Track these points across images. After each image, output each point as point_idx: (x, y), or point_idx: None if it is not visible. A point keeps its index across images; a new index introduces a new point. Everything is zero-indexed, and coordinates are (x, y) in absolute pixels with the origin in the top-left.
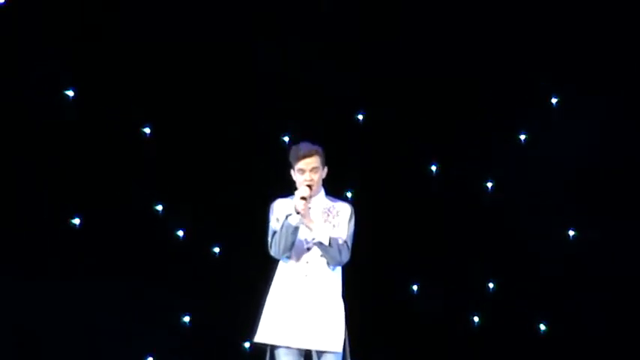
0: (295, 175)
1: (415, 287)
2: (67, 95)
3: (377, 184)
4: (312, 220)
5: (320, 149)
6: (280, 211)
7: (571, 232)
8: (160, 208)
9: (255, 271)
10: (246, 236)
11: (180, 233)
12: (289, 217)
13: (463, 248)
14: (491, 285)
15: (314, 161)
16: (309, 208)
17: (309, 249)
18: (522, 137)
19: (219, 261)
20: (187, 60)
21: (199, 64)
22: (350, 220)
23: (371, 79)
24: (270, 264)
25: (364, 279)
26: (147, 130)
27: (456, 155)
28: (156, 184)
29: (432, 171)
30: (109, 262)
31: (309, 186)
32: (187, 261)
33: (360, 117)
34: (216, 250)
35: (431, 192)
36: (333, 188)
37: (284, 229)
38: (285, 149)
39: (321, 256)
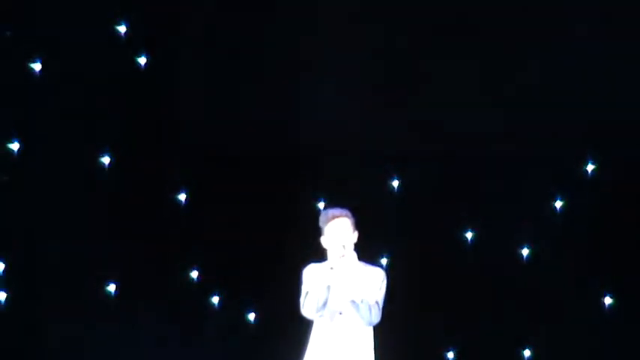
0: (326, 239)
1: (451, 354)
2: (103, 163)
3: (412, 251)
4: (345, 279)
5: (350, 213)
6: (313, 274)
7: (607, 300)
8: (195, 274)
9: (291, 335)
10: (281, 302)
11: (215, 300)
12: (323, 278)
13: (499, 316)
14: (527, 353)
15: (345, 224)
16: (342, 270)
17: (341, 313)
18: (558, 205)
19: (254, 327)
20: (223, 124)
21: (234, 128)
22: (382, 283)
23: (406, 140)
24: (305, 328)
25: (398, 344)
26: (182, 197)
27: (491, 221)
28: (190, 250)
29: (466, 238)
30: (142, 329)
31: (343, 247)
32: (222, 327)
33: (395, 184)
34: (251, 316)
35: (466, 259)
36: (366, 256)
37: (317, 289)
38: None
39: (354, 318)
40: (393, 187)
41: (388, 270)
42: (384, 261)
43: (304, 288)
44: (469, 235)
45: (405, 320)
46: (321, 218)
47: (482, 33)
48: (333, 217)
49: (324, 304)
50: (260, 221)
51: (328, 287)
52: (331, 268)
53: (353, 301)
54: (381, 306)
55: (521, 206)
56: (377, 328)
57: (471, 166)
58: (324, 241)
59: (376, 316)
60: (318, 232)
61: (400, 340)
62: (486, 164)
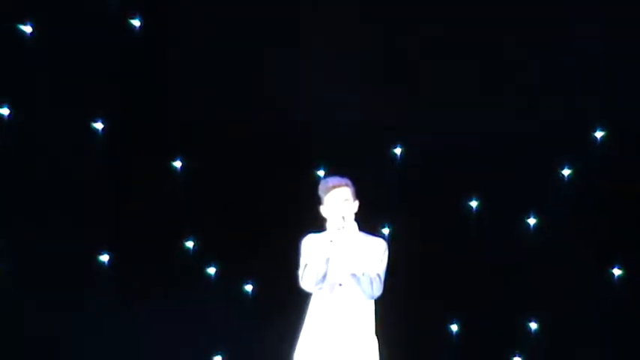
0: (326, 209)
1: (455, 326)
2: (96, 128)
3: (414, 220)
4: (345, 251)
5: (350, 182)
6: (312, 245)
7: (617, 271)
8: (190, 244)
9: (289, 308)
10: (279, 273)
11: (212, 271)
12: (322, 248)
13: (504, 286)
14: (533, 325)
15: (345, 193)
16: (342, 242)
17: (341, 284)
18: (566, 172)
19: (251, 299)
20: (222, 92)
21: (233, 96)
22: (383, 254)
23: (408, 108)
24: (304, 300)
25: (400, 318)
26: (178, 164)
27: (498, 190)
28: (185, 219)
29: (471, 207)
30: (138, 300)
31: (343, 217)
32: (219, 299)
33: (398, 150)
34: (249, 287)
35: (470, 229)
36: (368, 225)
37: (317, 260)
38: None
39: (354, 290)
40: (395, 155)
41: (390, 241)
42: (385, 231)
43: (303, 260)
44: (474, 204)
45: (407, 293)
46: (321, 187)
47: None
48: (333, 186)
49: (324, 277)
50: (258, 191)
51: (327, 259)
52: (331, 241)
53: (353, 274)
54: (382, 278)
55: (528, 174)
56: (378, 301)
57: (476, 133)
58: (324, 210)
59: (377, 289)
60: (317, 201)
61: (402, 313)
62: (492, 132)
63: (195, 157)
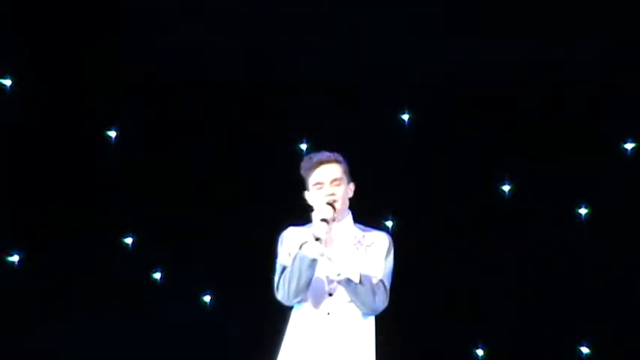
0: (311, 193)
1: (480, 352)
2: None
3: (426, 210)
4: (336, 251)
5: (342, 158)
6: (293, 242)
7: None
8: (129, 240)
9: (262, 326)
10: (247, 280)
11: (157, 275)
12: (304, 247)
13: (545, 296)
14: (585, 350)
15: (335, 171)
16: (332, 238)
17: (331, 294)
18: (629, 146)
19: (209, 312)
20: (178, 45)
21: (192, 51)
22: (388, 253)
23: (418, 73)
24: (281, 316)
25: (409, 337)
26: (112, 134)
27: (536, 172)
28: (123, 207)
29: (503, 192)
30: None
31: (331, 204)
32: (169, 311)
33: (405, 117)
34: (207, 298)
35: (499, 219)
36: (366, 216)
37: (297, 263)
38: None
39: (349, 302)
40: (403, 124)
41: (395, 236)
42: (389, 224)
43: (280, 262)
44: (506, 188)
45: (419, 305)
46: (304, 165)
47: None
48: (319, 163)
49: (307, 285)
50: (220, 171)
51: (312, 261)
52: (317, 237)
53: (348, 280)
54: (387, 285)
55: (575, 154)
56: (381, 317)
57: (508, 97)
58: (309, 196)
59: (381, 300)
60: (300, 184)
61: (413, 332)
62: (527, 96)
63: (134, 124)
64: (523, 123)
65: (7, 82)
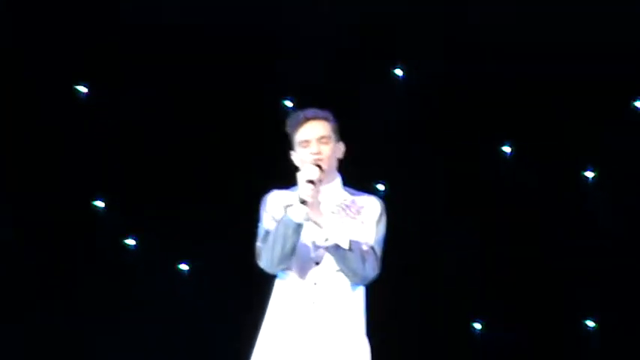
0: (297, 153)
1: (478, 325)
2: None
3: (420, 173)
4: (323, 215)
5: (330, 115)
6: (277, 206)
7: None
8: (101, 204)
9: (243, 296)
10: (228, 247)
11: (131, 242)
12: (289, 210)
13: (547, 267)
14: (590, 323)
15: (323, 128)
16: (319, 201)
17: (317, 262)
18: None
19: (188, 281)
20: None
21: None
22: (379, 219)
23: (413, 21)
24: (264, 286)
25: (401, 310)
26: (84, 89)
27: (540, 131)
28: (94, 170)
29: (504, 153)
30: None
31: (318, 165)
32: (143, 283)
33: (399, 72)
34: (184, 267)
35: (501, 183)
36: (356, 180)
37: (281, 228)
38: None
39: (338, 271)
40: (397, 80)
41: (386, 201)
42: (380, 187)
43: (262, 227)
44: (507, 149)
45: (410, 273)
46: (290, 122)
47: None
48: (306, 120)
49: (292, 252)
50: (198, 129)
51: (298, 226)
52: (302, 200)
53: (336, 246)
54: (378, 253)
55: (585, 115)
56: (372, 287)
57: (510, 53)
58: (295, 156)
59: (372, 268)
60: (284, 143)
61: (402, 304)
62: (530, 51)
63: (106, 80)
64: (526, 80)
65: None
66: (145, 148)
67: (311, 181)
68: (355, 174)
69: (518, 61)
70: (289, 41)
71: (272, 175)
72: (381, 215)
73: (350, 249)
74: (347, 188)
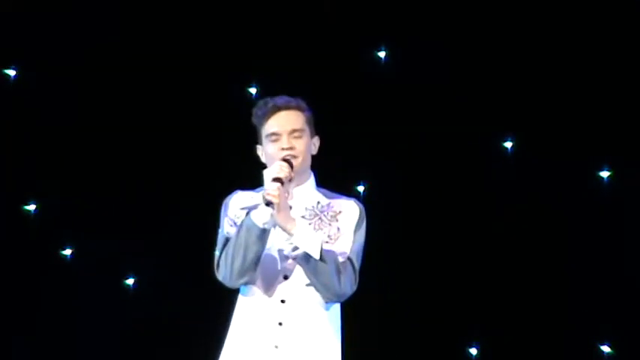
0: (264, 146)
1: (474, 350)
2: None
3: (406, 173)
4: (293, 219)
5: (305, 104)
6: (238, 212)
7: None
8: (32, 207)
9: (199, 314)
10: (182, 258)
11: (67, 252)
12: (253, 214)
13: (554, 283)
14: (605, 349)
15: (295, 119)
16: (290, 206)
17: (286, 276)
18: None
19: (135, 295)
20: None
21: None
22: (358, 226)
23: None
24: (225, 302)
25: (384, 332)
26: (11, 73)
27: (547, 125)
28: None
29: (505, 149)
30: None
31: (288, 161)
32: (80, 296)
33: (382, 54)
34: (130, 281)
35: (503, 182)
36: (332, 180)
37: (243, 234)
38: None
39: (307, 285)
40: (379, 62)
41: (367, 204)
42: (360, 189)
43: (222, 233)
44: (508, 144)
45: (394, 289)
46: (257, 111)
47: None
48: (277, 109)
49: (255, 263)
50: (146, 119)
51: (263, 231)
52: (268, 203)
53: (307, 257)
54: (357, 265)
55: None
56: (349, 304)
57: (510, 34)
58: (260, 151)
59: (349, 283)
60: (250, 136)
61: (390, 323)
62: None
63: (35, 62)
64: (530, 62)
65: None
66: (82, 146)
67: (278, 180)
68: (332, 173)
69: (519, 46)
70: (251, 18)
71: (235, 173)
72: (360, 221)
73: (323, 260)
74: (321, 189)
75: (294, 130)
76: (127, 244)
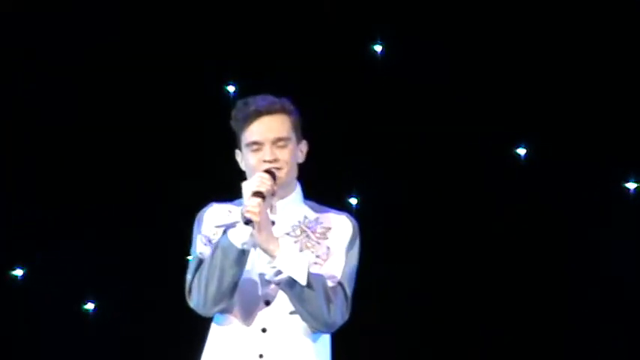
0: (244, 155)
1: None
2: None
3: (404, 183)
4: (275, 239)
5: (291, 106)
6: (213, 228)
7: None
8: None
9: (167, 345)
10: (148, 281)
11: (19, 272)
12: (230, 233)
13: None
14: None
15: (281, 125)
16: (272, 222)
17: (268, 302)
18: None
19: (92, 320)
20: None
21: None
22: (351, 245)
23: None
24: (198, 331)
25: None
26: None
27: (566, 132)
28: None
29: (518, 156)
30: None
31: (271, 172)
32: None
33: (378, 48)
34: (90, 306)
35: (514, 191)
36: (321, 191)
37: (219, 255)
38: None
39: (292, 313)
40: (375, 55)
41: (360, 220)
42: (352, 201)
43: (196, 251)
44: (521, 151)
45: (391, 317)
46: (236, 114)
47: None
48: (258, 114)
49: (233, 289)
50: (115, 118)
51: (241, 253)
52: (246, 220)
53: (291, 282)
54: (349, 290)
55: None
56: (339, 335)
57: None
58: (239, 157)
59: (340, 311)
60: (229, 141)
61: (387, 355)
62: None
63: None
64: (543, 61)
65: None
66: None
67: (259, 194)
68: (321, 183)
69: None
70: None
71: (210, 182)
72: (353, 239)
73: (309, 286)
74: (309, 202)
75: (279, 139)
76: (87, 262)
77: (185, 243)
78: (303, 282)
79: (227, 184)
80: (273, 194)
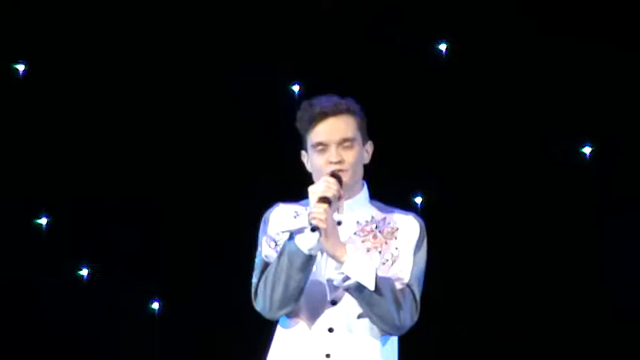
0: (310, 156)
1: None
2: None
3: (471, 183)
4: (342, 244)
5: (356, 106)
6: (281, 226)
7: None
8: (44, 221)
9: (233, 346)
10: (213, 282)
11: (84, 272)
12: (297, 238)
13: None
14: None
15: (345, 127)
16: (339, 221)
17: (334, 302)
18: None
19: (160, 322)
20: None
21: None
22: (419, 246)
23: None
24: (262, 333)
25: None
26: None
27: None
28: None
29: (584, 155)
30: None
31: (337, 176)
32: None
33: (443, 47)
34: (155, 305)
35: (581, 190)
36: (387, 190)
37: (285, 260)
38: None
39: (360, 316)
40: (440, 54)
41: (426, 219)
42: (418, 200)
43: (262, 253)
44: (587, 150)
45: (459, 318)
46: (301, 115)
47: None
48: (324, 115)
49: (299, 293)
50: (173, 118)
51: (308, 258)
52: (314, 228)
53: (359, 287)
54: (417, 293)
55: None
56: (406, 337)
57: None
58: (305, 158)
59: (409, 315)
60: (295, 142)
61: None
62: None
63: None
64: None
65: None
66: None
67: (326, 200)
68: (387, 183)
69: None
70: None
71: (277, 180)
72: (420, 240)
73: (378, 290)
74: (375, 202)
75: (344, 140)
76: (149, 263)
77: (252, 243)
78: (372, 287)
79: (293, 184)
80: (339, 198)
